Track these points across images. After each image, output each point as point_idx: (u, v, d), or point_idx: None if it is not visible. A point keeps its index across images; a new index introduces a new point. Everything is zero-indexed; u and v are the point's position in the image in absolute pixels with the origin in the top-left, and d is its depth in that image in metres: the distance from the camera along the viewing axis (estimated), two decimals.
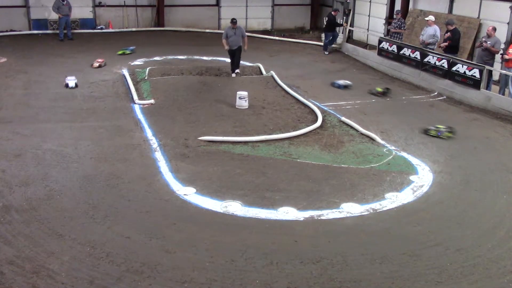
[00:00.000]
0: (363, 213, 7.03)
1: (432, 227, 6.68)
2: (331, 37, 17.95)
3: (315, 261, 5.82)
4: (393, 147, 9.46)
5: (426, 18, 14.52)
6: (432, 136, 10.04)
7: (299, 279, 5.50)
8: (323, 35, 19.12)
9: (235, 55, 13.84)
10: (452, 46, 13.81)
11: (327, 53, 17.95)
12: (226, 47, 13.71)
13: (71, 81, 12.65)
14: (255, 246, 6.09)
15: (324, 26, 18.82)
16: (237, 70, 13.92)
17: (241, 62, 14.12)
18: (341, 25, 18.61)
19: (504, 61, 12.55)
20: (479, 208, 7.30)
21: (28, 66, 14.47)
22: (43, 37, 19.13)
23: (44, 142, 9.05)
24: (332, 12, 18.05)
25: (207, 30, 21.37)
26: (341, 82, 13.76)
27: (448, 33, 13.76)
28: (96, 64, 14.67)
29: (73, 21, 19.59)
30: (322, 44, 18.83)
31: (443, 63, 13.41)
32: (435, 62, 13.69)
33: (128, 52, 16.51)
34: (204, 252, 5.94)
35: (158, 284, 5.33)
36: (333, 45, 18.42)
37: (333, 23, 17.88)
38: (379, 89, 12.92)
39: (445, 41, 13.87)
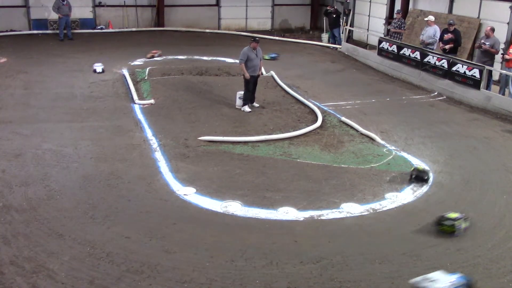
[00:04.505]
0: (363, 213, 7.03)
1: (432, 227, 6.67)
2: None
3: (315, 261, 5.82)
4: (393, 147, 9.45)
5: (426, 18, 14.51)
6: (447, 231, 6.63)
7: (299, 279, 5.50)
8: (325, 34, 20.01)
9: (255, 82, 11.39)
10: (454, 47, 13.78)
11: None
12: (247, 75, 11.03)
13: (99, 66, 14.10)
14: (255, 246, 6.09)
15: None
16: (256, 104, 11.51)
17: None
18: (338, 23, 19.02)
19: (504, 61, 12.54)
20: (479, 208, 7.30)
21: (28, 66, 14.46)
22: (43, 37, 19.13)
23: (44, 142, 9.05)
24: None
25: (207, 30, 21.39)
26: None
27: (449, 33, 13.72)
28: (149, 55, 16.00)
29: (73, 21, 19.60)
30: (322, 44, 19.56)
31: (443, 63, 13.40)
32: (435, 62, 13.68)
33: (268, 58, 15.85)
34: (204, 252, 5.94)
35: (158, 284, 5.33)
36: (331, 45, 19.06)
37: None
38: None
39: (446, 42, 13.77)
